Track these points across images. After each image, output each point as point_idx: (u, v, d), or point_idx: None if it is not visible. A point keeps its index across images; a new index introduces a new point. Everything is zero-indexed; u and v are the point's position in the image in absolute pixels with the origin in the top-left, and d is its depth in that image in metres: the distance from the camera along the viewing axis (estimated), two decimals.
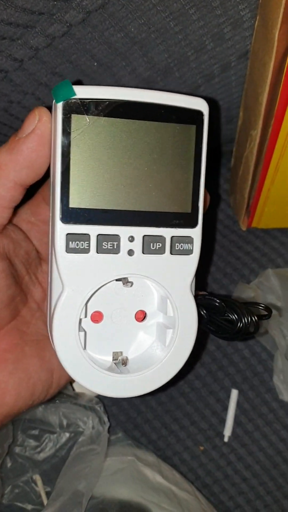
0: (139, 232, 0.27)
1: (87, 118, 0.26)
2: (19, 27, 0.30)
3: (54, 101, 0.27)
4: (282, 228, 0.45)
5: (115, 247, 0.27)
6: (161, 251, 0.27)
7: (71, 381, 0.41)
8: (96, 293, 0.27)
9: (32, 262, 0.32)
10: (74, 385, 0.41)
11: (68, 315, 0.26)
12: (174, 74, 0.35)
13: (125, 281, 0.28)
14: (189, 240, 0.28)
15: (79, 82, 0.35)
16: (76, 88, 0.26)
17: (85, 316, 0.28)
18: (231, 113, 0.39)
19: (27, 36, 0.31)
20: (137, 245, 0.27)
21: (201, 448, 0.44)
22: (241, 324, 0.27)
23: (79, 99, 0.26)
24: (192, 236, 0.28)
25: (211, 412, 0.44)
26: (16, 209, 0.33)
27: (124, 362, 0.29)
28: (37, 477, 0.41)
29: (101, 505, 0.33)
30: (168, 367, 0.28)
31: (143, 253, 0.27)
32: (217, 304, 0.28)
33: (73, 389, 0.42)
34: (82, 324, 0.28)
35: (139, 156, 0.27)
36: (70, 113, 0.26)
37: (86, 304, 0.27)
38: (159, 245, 0.27)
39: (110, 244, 0.27)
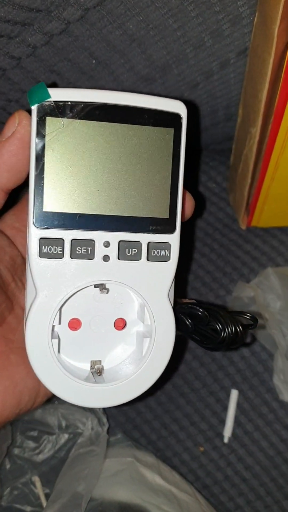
0: (114, 237, 0.26)
1: (62, 121, 0.26)
2: (17, 24, 0.30)
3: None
4: (282, 227, 0.45)
5: (89, 252, 0.26)
6: (137, 257, 0.27)
7: None
8: (74, 299, 0.27)
9: (17, 268, 0.31)
10: None
11: (40, 321, 0.26)
12: (173, 71, 0.35)
13: (101, 287, 0.27)
14: (166, 246, 0.27)
15: (64, 84, 0.35)
16: (51, 91, 0.25)
17: (59, 323, 0.27)
18: (230, 111, 0.39)
19: (25, 34, 0.31)
20: (112, 251, 0.26)
21: (201, 448, 0.43)
22: (225, 334, 0.26)
23: (54, 101, 0.25)
24: (169, 242, 0.27)
25: (211, 412, 0.43)
26: (1, 214, 0.33)
27: (99, 372, 0.28)
28: (36, 479, 0.41)
29: (100, 507, 0.33)
30: (143, 378, 0.28)
31: (118, 259, 0.27)
32: (199, 313, 0.27)
33: None
34: (59, 332, 0.27)
35: (116, 160, 0.26)
36: (45, 116, 0.25)
37: (60, 310, 0.27)
38: (135, 251, 0.27)
39: (84, 249, 0.26)
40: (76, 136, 0.26)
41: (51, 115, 0.25)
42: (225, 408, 0.43)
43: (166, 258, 0.27)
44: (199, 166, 0.47)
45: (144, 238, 0.27)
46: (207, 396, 0.43)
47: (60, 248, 0.26)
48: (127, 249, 0.27)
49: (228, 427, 0.43)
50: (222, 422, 0.43)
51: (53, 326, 0.26)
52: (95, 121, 0.26)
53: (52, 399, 0.41)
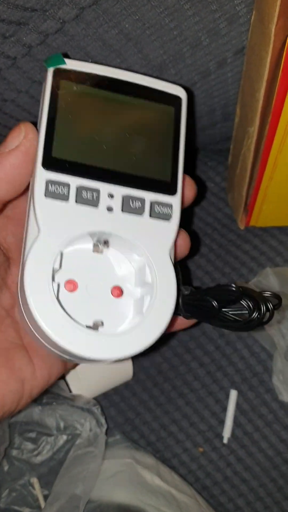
0: (119, 190, 0.27)
1: (75, 86, 0.28)
2: (12, 24, 0.30)
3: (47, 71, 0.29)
4: (281, 227, 0.44)
5: (94, 199, 0.27)
6: (140, 211, 0.27)
7: (67, 384, 0.41)
8: (71, 260, 0.27)
9: (0, 266, 0.30)
10: (71, 387, 0.41)
11: (41, 261, 0.25)
12: (170, 71, 0.34)
13: (100, 245, 0.27)
14: (168, 205, 0.28)
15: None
16: (67, 60, 0.28)
17: (60, 267, 0.27)
18: (228, 110, 0.39)
19: (20, 33, 0.31)
20: (116, 203, 0.27)
21: (201, 449, 0.43)
22: (257, 313, 0.25)
23: (69, 69, 0.28)
24: (171, 203, 0.28)
25: (210, 413, 0.43)
26: None
27: (98, 325, 0.27)
28: (34, 480, 0.41)
29: (98, 509, 0.33)
30: (146, 332, 0.26)
31: (122, 211, 0.27)
32: (233, 289, 0.26)
33: (70, 391, 0.41)
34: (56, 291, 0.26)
35: (122, 125, 0.29)
36: (59, 79, 0.28)
37: (61, 255, 0.26)
38: (138, 204, 0.27)
39: (89, 195, 0.27)
40: (87, 99, 0.29)
41: (65, 79, 0.28)
42: (225, 409, 0.43)
43: (168, 217, 0.28)
44: (197, 166, 0.47)
45: (148, 195, 0.28)
46: (206, 397, 0.43)
47: (66, 190, 0.26)
48: (131, 202, 0.27)
49: (227, 428, 0.43)
50: (222, 422, 0.43)
51: (54, 269, 0.25)
52: (104, 90, 0.29)
53: (42, 400, 0.40)
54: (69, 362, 0.31)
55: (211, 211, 0.46)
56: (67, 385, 0.41)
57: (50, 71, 0.28)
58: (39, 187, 0.26)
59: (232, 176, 0.42)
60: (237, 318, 0.26)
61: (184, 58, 0.33)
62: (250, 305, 0.25)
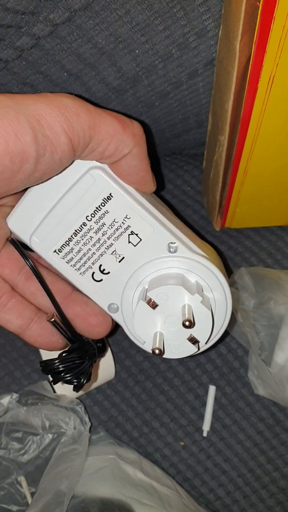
0: None
1: None
2: None
3: None
4: (255, 228, 0.46)
5: None
6: None
7: (51, 385, 0.42)
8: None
9: None
10: (55, 388, 0.42)
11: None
12: (143, 82, 0.36)
13: None
14: None
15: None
16: None
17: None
18: (201, 118, 0.40)
19: None
20: None
21: (182, 443, 0.45)
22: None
23: None
24: None
25: (190, 408, 0.45)
26: None
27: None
28: (21, 479, 0.42)
29: (82, 504, 0.34)
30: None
31: None
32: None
33: (54, 391, 0.42)
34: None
35: None
36: None
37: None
38: None
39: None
40: None
41: None
42: (204, 404, 0.45)
43: None
44: (173, 170, 0.48)
45: None
46: (186, 393, 0.45)
47: None
48: None
49: (206, 422, 0.44)
50: (201, 417, 0.45)
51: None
52: None
53: (27, 401, 0.42)
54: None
55: (188, 213, 0.47)
56: (51, 386, 0.42)
57: None
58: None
59: (207, 180, 0.43)
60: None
61: (157, 70, 0.35)
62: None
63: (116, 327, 0.46)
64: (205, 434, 0.45)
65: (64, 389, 0.42)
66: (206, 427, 0.44)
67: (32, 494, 0.41)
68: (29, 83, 0.35)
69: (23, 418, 0.42)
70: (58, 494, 0.33)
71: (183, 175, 0.48)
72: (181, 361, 0.45)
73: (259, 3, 0.26)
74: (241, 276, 0.43)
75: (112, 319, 0.32)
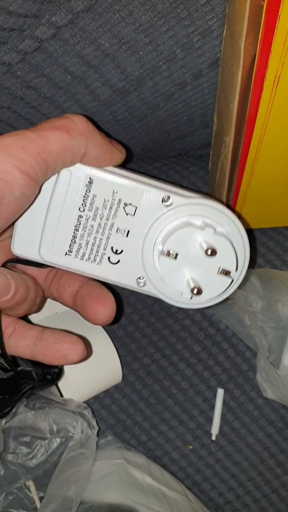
0: None
1: None
2: None
3: None
4: (262, 229, 0.46)
5: None
6: None
7: (59, 389, 0.42)
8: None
9: None
10: (63, 392, 0.42)
11: None
12: (148, 84, 0.35)
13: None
14: None
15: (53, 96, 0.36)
16: None
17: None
18: (207, 119, 0.40)
19: None
20: None
21: (190, 447, 0.45)
22: None
23: None
24: None
25: (199, 411, 0.44)
26: None
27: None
28: (30, 483, 0.42)
29: (90, 510, 0.34)
30: None
31: None
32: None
33: (61, 395, 0.42)
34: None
35: None
36: None
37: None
38: None
39: None
40: None
41: None
42: (212, 407, 0.44)
43: None
44: (179, 172, 0.48)
45: None
46: (194, 396, 0.45)
47: None
48: None
49: (215, 425, 0.44)
50: (210, 420, 0.44)
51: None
52: None
53: (35, 405, 0.41)
54: None
55: None
56: (59, 390, 0.42)
57: None
58: None
59: (212, 182, 0.43)
60: None
61: (161, 71, 0.34)
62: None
63: (120, 330, 0.46)
64: (213, 437, 0.44)
65: (71, 393, 0.42)
66: (214, 430, 0.44)
67: (41, 498, 0.41)
68: (32, 86, 0.35)
69: (31, 422, 0.42)
70: (66, 500, 0.33)
71: (189, 176, 0.47)
72: (189, 364, 0.45)
73: (264, 2, 0.25)
74: (249, 278, 0.43)
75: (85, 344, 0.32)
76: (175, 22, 0.31)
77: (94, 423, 0.42)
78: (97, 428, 0.42)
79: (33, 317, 0.44)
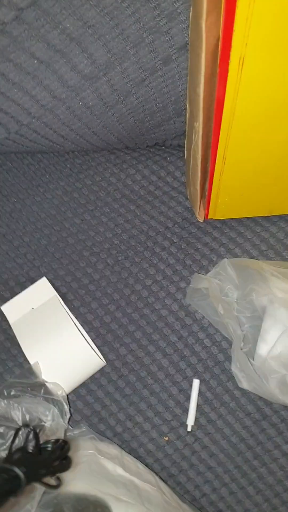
0: None
1: None
2: None
3: None
4: (239, 218, 0.45)
5: None
6: None
7: (36, 373, 0.41)
8: None
9: None
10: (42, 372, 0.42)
11: None
12: (116, 69, 0.35)
13: None
14: None
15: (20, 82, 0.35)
16: None
17: None
18: (180, 106, 0.40)
19: None
20: None
21: (166, 438, 0.44)
22: None
23: None
24: None
25: (174, 402, 0.44)
26: None
27: None
28: None
29: (55, 500, 0.33)
30: None
31: None
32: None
33: (37, 380, 0.42)
34: None
35: None
36: None
37: None
38: None
39: None
40: None
41: None
42: (188, 398, 0.44)
43: None
44: (157, 162, 0.47)
45: None
46: (170, 387, 0.44)
47: None
48: None
49: (191, 416, 0.44)
50: (186, 411, 0.44)
51: None
52: None
53: (10, 393, 0.41)
54: None
55: (172, 205, 0.46)
56: (37, 373, 0.42)
57: None
58: None
59: (188, 171, 0.42)
60: None
61: (129, 55, 0.34)
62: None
63: (97, 321, 0.45)
64: (189, 428, 0.44)
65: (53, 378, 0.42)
66: (190, 421, 0.44)
67: None
68: (0, 72, 0.34)
69: (4, 411, 0.42)
70: (30, 489, 0.32)
71: (166, 166, 0.47)
72: (165, 354, 0.45)
73: None
74: (224, 267, 0.42)
75: None
76: (140, 5, 0.31)
77: (67, 408, 0.41)
78: (69, 415, 0.41)
79: (10, 318, 0.44)
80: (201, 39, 0.29)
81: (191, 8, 0.31)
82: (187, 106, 0.38)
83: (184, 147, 0.46)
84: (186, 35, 0.33)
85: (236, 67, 0.29)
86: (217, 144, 0.35)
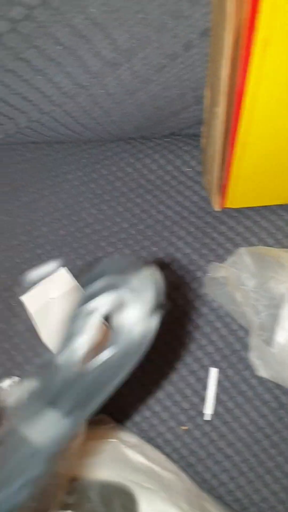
0: None
1: None
2: None
3: None
4: (255, 207, 0.45)
5: None
6: None
7: None
8: None
9: None
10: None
11: None
12: (138, 55, 0.35)
13: None
14: None
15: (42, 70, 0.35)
16: None
17: None
18: (199, 93, 0.40)
19: None
20: None
21: (184, 427, 0.44)
22: None
23: None
24: None
25: (192, 391, 0.44)
26: None
27: None
28: None
29: (81, 487, 0.33)
30: None
31: None
32: None
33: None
34: None
35: None
36: None
37: None
38: None
39: None
40: None
41: None
42: (206, 387, 0.44)
43: None
44: (173, 151, 0.48)
45: None
46: (188, 376, 0.44)
47: None
48: None
49: (208, 405, 0.44)
50: (203, 400, 0.44)
51: None
52: None
53: None
54: None
55: (187, 195, 0.47)
56: None
57: None
58: None
59: (205, 159, 0.43)
60: None
61: (151, 41, 0.34)
62: None
63: None
64: (207, 417, 0.44)
65: None
66: (208, 410, 0.44)
67: None
68: (23, 58, 0.35)
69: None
70: (54, 475, 0.32)
71: (182, 156, 0.47)
72: (181, 343, 0.45)
73: None
74: (241, 256, 0.43)
75: None
76: None
77: None
78: None
79: (30, 308, 0.44)
80: (225, 22, 0.29)
81: None
82: (207, 92, 0.38)
83: (200, 136, 0.46)
84: (207, 20, 0.34)
85: (260, 51, 0.30)
86: (238, 130, 0.35)
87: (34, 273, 0.46)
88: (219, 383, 0.44)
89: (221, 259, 0.45)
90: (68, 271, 0.45)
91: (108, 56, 0.35)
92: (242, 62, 0.30)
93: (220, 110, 0.35)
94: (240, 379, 0.44)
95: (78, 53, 0.35)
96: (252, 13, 0.27)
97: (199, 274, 0.46)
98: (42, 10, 0.32)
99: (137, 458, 0.40)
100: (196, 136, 0.47)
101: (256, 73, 0.31)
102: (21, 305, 0.45)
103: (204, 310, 0.45)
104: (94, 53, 0.35)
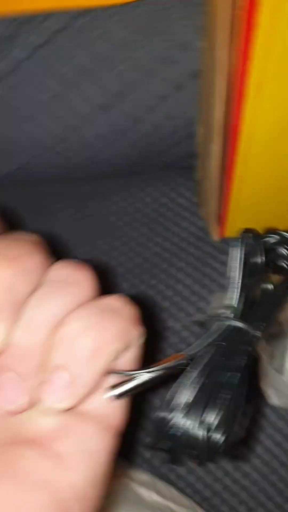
0: None
1: None
2: None
3: None
4: None
5: None
6: None
7: None
8: None
9: None
10: None
11: None
12: (128, 98, 0.35)
13: None
14: None
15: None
16: None
17: None
18: (191, 130, 0.40)
19: None
20: None
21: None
22: None
23: None
24: None
25: None
26: None
27: None
28: None
29: None
30: None
31: None
32: None
33: None
34: None
35: None
36: None
37: None
38: None
39: None
40: None
41: None
42: None
43: None
44: (167, 184, 0.47)
45: None
46: None
47: None
48: None
49: None
50: None
51: None
52: None
53: None
54: None
55: (184, 226, 0.47)
56: None
57: None
58: None
59: (201, 191, 0.43)
60: None
61: (141, 84, 0.34)
62: None
63: None
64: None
65: None
66: None
67: None
68: (12, 106, 0.35)
69: None
70: None
71: (176, 188, 0.47)
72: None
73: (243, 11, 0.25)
74: None
75: None
76: (152, 37, 0.31)
77: None
78: None
79: None
80: (215, 69, 0.29)
81: (205, 38, 0.32)
82: (200, 128, 0.38)
83: (193, 167, 0.46)
84: (197, 64, 0.33)
85: (254, 94, 0.30)
86: (235, 165, 0.35)
87: None
88: None
89: (223, 288, 0.45)
90: None
91: (98, 100, 0.35)
92: (236, 103, 0.30)
93: (216, 148, 0.35)
94: (252, 407, 0.44)
95: (66, 99, 0.35)
96: (243, 59, 0.27)
97: (201, 304, 0.45)
98: (29, 63, 0.31)
99: (151, 496, 0.40)
100: (189, 169, 0.47)
101: (250, 113, 0.31)
102: None
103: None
104: (83, 98, 0.35)
